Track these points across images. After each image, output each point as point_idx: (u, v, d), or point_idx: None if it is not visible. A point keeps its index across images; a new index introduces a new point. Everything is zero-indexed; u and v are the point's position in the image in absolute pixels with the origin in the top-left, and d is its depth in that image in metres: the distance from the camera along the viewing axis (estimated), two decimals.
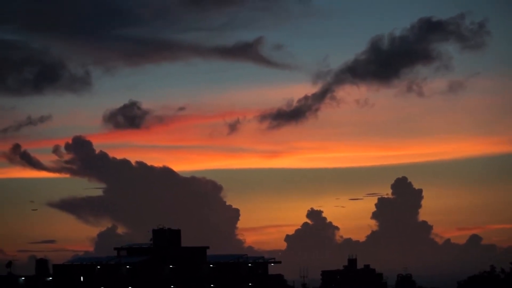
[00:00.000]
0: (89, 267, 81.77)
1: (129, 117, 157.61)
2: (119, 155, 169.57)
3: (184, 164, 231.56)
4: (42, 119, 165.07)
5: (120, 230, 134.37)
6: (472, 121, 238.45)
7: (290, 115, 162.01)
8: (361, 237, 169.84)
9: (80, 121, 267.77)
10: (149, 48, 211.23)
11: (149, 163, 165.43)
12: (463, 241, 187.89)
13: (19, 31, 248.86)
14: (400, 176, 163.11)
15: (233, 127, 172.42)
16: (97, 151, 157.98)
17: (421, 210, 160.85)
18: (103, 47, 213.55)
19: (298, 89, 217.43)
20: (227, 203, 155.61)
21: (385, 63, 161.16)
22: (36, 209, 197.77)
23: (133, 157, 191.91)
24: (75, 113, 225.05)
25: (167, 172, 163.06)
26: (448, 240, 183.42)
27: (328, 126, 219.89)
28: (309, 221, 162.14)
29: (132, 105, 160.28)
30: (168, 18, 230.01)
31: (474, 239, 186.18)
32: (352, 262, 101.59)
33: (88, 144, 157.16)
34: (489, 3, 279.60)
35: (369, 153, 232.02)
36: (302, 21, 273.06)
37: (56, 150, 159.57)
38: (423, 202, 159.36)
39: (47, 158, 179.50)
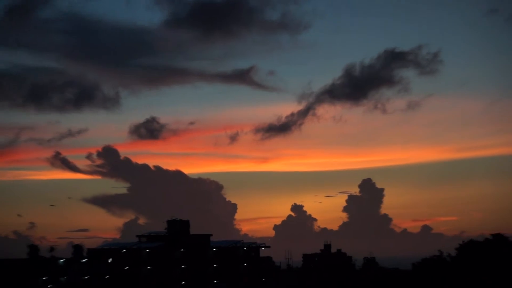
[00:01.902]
0: (116, 251, 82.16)
1: (149, 130, 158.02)
2: (140, 161, 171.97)
3: (193, 168, 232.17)
4: (79, 131, 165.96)
5: (141, 220, 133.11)
6: (425, 134, 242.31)
7: (279, 129, 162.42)
8: (335, 227, 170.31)
9: (109, 133, 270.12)
10: (165, 74, 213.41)
11: (164, 167, 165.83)
12: (417, 231, 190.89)
13: (62, 60, 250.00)
14: (366, 178, 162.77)
15: (232, 138, 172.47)
16: (122, 157, 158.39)
17: (382, 206, 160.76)
18: (129, 73, 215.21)
19: (286, 108, 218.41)
20: (227, 199, 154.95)
21: (356, 86, 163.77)
22: (55, 205, 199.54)
23: (152, 162, 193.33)
24: (105, 127, 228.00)
25: (178, 174, 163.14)
26: (405, 229, 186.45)
27: (309, 137, 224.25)
28: (292, 214, 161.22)
29: (152, 120, 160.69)
30: (179, 50, 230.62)
31: (426, 229, 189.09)
32: (327, 247, 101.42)
33: (115, 151, 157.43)
34: (442, 37, 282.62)
35: (341, 159, 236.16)
36: (290, 52, 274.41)
37: (89, 156, 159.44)
38: (384, 199, 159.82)
39: (82, 163, 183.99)
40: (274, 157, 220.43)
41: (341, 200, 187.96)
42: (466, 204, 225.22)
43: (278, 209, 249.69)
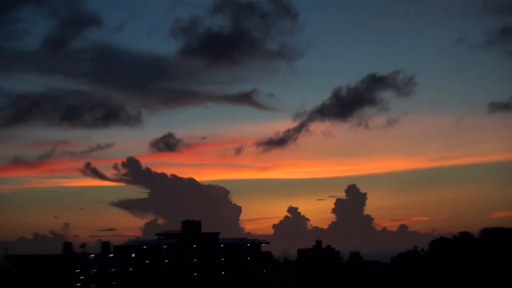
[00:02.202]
0: (138, 247, 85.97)
1: (166, 144, 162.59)
2: (159, 170, 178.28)
3: (204, 176, 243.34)
4: (107, 145, 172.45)
5: (160, 221, 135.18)
6: (402, 146, 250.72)
7: (277, 143, 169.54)
8: (325, 226, 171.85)
9: (132, 146, 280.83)
10: (180, 96, 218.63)
11: (179, 175, 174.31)
12: (395, 229, 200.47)
13: (92, 83, 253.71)
14: (351, 184, 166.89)
15: (238, 151, 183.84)
16: (143, 167, 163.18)
17: (365, 207, 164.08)
18: (149, 95, 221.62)
19: (283, 125, 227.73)
20: (233, 202, 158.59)
21: (343, 106, 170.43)
22: (83, 208, 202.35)
23: (168, 171, 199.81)
24: (129, 141, 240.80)
25: (191, 181, 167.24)
26: (385, 228, 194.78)
27: (303, 149, 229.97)
28: (289, 215, 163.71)
29: (169, 135, 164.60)
30: (192, 76, 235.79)
31: (402, 228, 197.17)
32: (319, 243, 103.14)
33: (138, 162, 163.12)
34: (416, 63, 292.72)
35: (330, 168, 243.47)
36: (286, 77, 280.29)
37: (115, 166, 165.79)
38: (367, 202, 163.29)
39: (109, 172, 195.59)
40: (273, 166, 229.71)
41: (330, 203, 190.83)
42: (436, 206, 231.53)
43: (277, 210, 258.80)
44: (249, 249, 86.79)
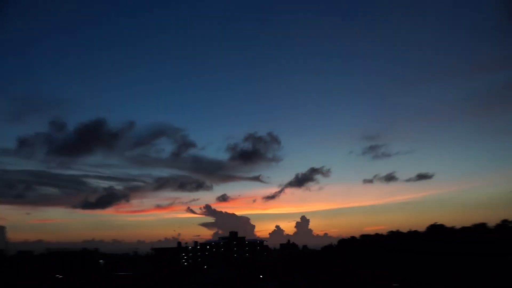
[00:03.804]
0: (210, 243, 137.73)
1: (224, 198, 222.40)
2: (219, 209, 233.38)
3: (239, 211, 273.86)
4: (195, 200, 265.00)
5: (220, 232, 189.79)
6: (324, 198, 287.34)
7: (271, 197, 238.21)
8: (291, 233, 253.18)
9: (209, 200, 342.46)
10: (230, 178, 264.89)
11: (229, 212, 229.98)
12: (322, 234, 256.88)
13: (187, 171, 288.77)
14: (303, 215, 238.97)
15: (254, 201, 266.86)
16: (213, 208, 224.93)
17: (309, 225, 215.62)
18: (216, 177, 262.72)
19: (273, 190, 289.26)
20: (251, 223, 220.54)
21: (299, 181, 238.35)
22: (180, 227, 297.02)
23: (224, 210, 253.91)
24: (207, 197, 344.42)
25: (233, 214, 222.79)
26: (318, 234, 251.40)
27: (282, 200, 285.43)
28: (275, 228, 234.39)
29: (224, 195, 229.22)
30: (234, 169, 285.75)
31: (325, 235, 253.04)
32: (288, 241, 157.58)
33: (210, 207, 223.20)
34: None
35: (294, 208, 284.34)
36: (275, 168, 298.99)
37: (200, 208, 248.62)
38: (310, 223, 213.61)
39: (198, 210, 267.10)
40: (270, 207, 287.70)
41: (293, 223, 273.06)
42: (345, 224, 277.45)
43: (270, 227, 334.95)
44: (259, 244, 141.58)
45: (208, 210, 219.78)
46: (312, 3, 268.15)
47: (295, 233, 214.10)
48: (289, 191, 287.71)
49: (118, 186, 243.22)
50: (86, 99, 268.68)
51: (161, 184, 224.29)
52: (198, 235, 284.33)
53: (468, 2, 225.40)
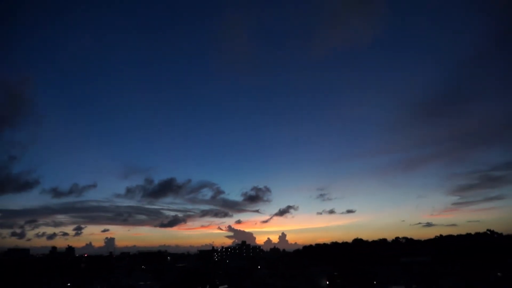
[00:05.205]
0: (230, 247, 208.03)
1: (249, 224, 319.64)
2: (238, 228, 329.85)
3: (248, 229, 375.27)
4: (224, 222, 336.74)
5: (236, 241, 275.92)
6: (293, 223, 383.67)
7: (264, 221, 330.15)
8: (276, 241, 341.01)
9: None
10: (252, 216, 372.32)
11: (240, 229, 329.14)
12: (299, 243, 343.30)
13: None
14: (283, 232, 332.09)
15: (254, 224, 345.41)
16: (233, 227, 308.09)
17: (286, 237, 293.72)
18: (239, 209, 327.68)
19: (265, 217, 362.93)
20: (253, 236, 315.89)
21: (280, 212, 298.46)
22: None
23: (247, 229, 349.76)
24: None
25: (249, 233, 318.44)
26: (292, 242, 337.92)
27: (273, 224, 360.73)
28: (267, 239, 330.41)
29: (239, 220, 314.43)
30: (245, 207, 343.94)
31: (296, 244, 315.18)
32: (272, 247, 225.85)
33: (233, 228, 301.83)
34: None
35: (277, 227, 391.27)
36: (268, 207, 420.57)
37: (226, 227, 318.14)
38: (287, 236, 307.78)
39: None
40: (267, 226, 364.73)
41: (277, 235, 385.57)
42: (308, 237, 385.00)
43: (264, 239, 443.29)
44: (258, 248, 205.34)
45: (230, 228, 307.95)
46: None
47: (278, 242, 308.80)
48: (275, 218, 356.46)
49: (180, 215, 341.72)
50: (165, 165, 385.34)
51: (204, 213, 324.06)
52: (224, 243, 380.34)
53: None
